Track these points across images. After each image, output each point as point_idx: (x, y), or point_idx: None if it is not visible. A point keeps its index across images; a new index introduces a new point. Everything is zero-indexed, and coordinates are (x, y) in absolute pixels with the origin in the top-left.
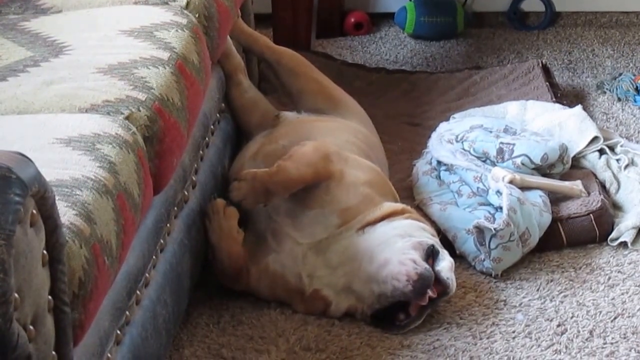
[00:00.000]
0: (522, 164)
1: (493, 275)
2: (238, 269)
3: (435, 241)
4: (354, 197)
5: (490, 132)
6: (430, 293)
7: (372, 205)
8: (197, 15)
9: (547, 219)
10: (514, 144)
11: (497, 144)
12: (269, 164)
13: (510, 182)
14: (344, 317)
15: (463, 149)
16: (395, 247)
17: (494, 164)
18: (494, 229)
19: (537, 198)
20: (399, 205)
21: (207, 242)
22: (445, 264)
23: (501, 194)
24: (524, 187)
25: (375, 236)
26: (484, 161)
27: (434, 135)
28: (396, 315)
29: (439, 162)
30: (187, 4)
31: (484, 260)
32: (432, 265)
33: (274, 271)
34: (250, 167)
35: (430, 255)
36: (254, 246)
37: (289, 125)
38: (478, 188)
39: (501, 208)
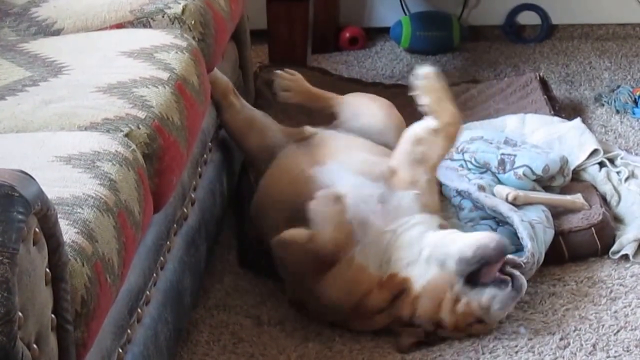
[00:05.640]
0: (524, 174)
1: None
2: (333, 258)
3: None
4: (433, 202)
5: (491, 143)
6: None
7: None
8: (192, 22)
9: (550, 234)
10: (515, 155)
11: (498, 154)
12: (344, 170)
13: (514, 199)
14: (345, 334)
15: (464, 160)
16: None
17: (494, 175)
18: (524, 263)
19: (540, 213)
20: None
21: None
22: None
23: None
24: (527, 203)
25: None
26: (484, 172)
27: None
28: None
29: None
30: (183, 11)
31: None
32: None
33: (358, 264)
34: (319, 173)
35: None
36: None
37: (336, 137)
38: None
39: (503, 222)
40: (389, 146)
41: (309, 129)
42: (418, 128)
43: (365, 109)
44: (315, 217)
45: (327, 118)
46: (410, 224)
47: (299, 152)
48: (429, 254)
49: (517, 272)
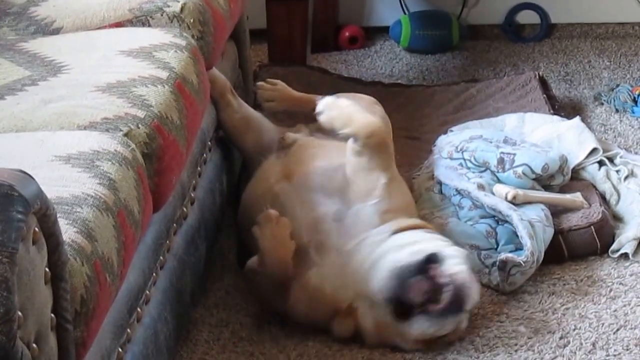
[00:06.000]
0: (523, 173)
1: (500, 291)
2: (285, 279)
3: (442, 249)
4: (396, 204)
5: (490, 142)
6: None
7: (404, 218)
8: (191, 21)
9: (550, 233)
10: (514, 154)
11: (497, 153)
12: (311, 184)
13: (514, 198)
14: None
15: (463, 159)
16: (401, 255)
17: (494, 174)
18: (523, 262)
19: (539, 212)
20: (420, 221)
21: (256, 250)
22: (447, 266)
23: (495, 210)
24: (527, 202)
25: (396, 242)
26: (484, 171)
27: (435, 150)
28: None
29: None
30: (182, 9)
31: (489, 273)
32: (433, 269)
33: (314, 286)
34: (286, 189)
35: (432, 261)
36: (295, 262)
37: (312, 145)
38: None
39: (503, 221)
40: None
41: (290, 136)
42: (348, 148)
43: None
44: (259, 239)
45: None
46: (362, 245)
47: (274, 164)
48: (366, 287)
49: (458, 280)
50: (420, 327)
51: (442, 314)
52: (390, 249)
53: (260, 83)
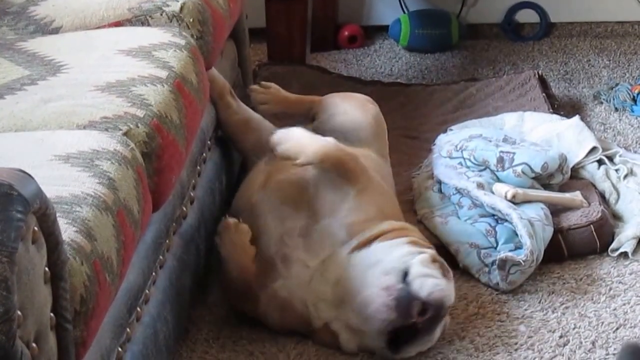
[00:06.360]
0: (523, 172)
1: (500, 290)
2: (248, 285)
3: (409, 256)
4: (366, 213)
5: (490, 141)
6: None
7: (377, 224)
8: (191, 20)
9: (549, 232)
10: (514, 153)
11: (497, 152)
12: (282, 195)
13: (513, 196)
14: None
15: (463, 157)
16: (368, 280)
17: (493, 173)
18: (522, 261)
19: (539, 211)
20: (398, 224)
21: (216, 259)
22: (418, 282)
23: (494, 209)
24: (526, 201)
25: (359, 262)
26: (483, 169)
27: (434, 149)
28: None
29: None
30: (181, 8)
31: (489, 272)
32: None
33: (283, 298)
34: (262, 199)
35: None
36: (262, 272)
37: None
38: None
39: (502, 220)
40: (364, 142)
41: None
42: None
43: (340, 108)
44: (219, 247)
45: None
46: (327, 263)
47: (262, 168)
48: (346, 320)
49: (434, 296)
50: (411, 350)
51: (430, 329)
52: (356, 273)
53: (253, 86)
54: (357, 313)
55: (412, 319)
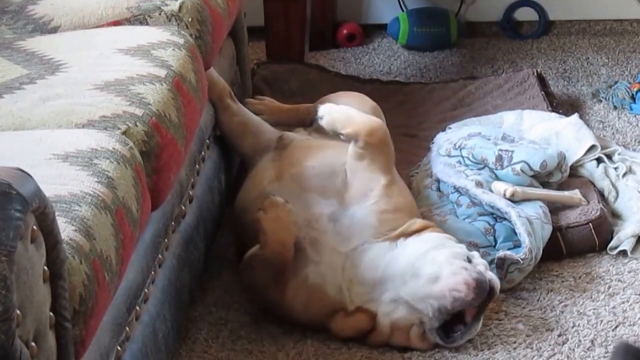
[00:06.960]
0: (522, 170)
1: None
2: (283, 266)
3: (464, 247)
4: (395, 204)
5: (489, 139)
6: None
7: (405, 219)
8: (189, 19)
9: (548, 230)
10: (513, 151)
11: (495, 150)
12: (298, 186)
13: (512, 195)
14: None
15: (462, 156)
16: (438, 259)
17: (492, 171)
18: (521, 259)
19: (537, 209)
20: (425, 221)
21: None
22: (482, 267)
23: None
24: (525, 199)
25: (409, 250)
26: (482, 168)
27: (433, 147)
28: (453, 326)
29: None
30: (180, 8)
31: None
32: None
33: (313, 284)
34: (277, 189)
35: (468, 261)
36: (293, 258)
37: (306, 146)
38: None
39: (501, 218)
40: None
41: (288, 135)
42: (350, 151)
43: (338, 103)
44: (262, 221)
45: None
46: (366, 248)
47: (269, 165)
48: (394, 296)
49: (492, 281)
50: (464, 338)
51: (478, 317)
52: (414, 255)
53: (248, 100)
54: (419, 290)
55: (481, 299)
